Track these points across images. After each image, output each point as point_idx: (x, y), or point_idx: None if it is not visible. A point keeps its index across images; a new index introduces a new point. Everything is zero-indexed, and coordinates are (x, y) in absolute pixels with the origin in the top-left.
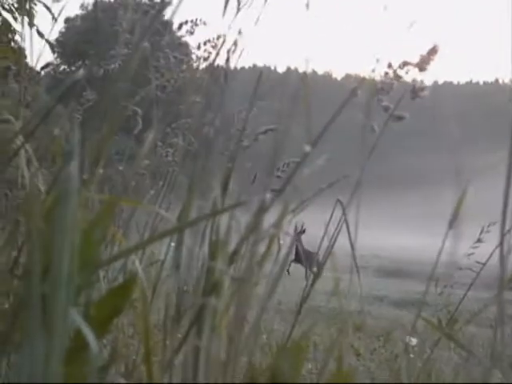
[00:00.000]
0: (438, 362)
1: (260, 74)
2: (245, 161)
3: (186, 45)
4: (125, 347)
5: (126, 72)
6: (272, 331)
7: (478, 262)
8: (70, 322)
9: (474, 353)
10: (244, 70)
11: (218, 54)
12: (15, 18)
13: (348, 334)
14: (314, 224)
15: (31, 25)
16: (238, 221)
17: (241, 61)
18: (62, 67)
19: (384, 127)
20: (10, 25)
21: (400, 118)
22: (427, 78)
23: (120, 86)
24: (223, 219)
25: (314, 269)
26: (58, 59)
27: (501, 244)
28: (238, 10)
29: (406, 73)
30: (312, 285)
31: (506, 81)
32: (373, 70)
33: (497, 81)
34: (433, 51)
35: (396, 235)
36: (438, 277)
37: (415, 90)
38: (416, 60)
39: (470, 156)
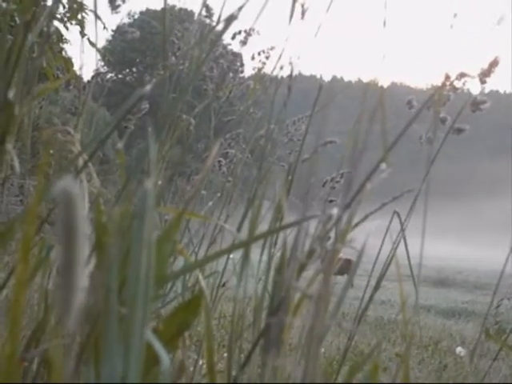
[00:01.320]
0: (488, 372)
1: (320, 86)
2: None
3: (240, 55)
4: (189, 363)
5: (182, 81)
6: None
7: None
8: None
9: None
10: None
11: (271, 64)
12: (66, 28)
13: (396, 343)
14: (361, 233)
15: (83, 34)
16: (307, 233)
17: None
18: (109, 75)
19: (444, 141)
20: (62, 34)
21: (460, 131)
22: (474, 88)
23: (179, 97)
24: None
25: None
26: (106, 67)
27: None
28: (291, 17)
29: (463, 84)
30: (371, 296)
31: None
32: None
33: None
34: (494, 63)
35: (440, 244)
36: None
37: (476, 102)
38: (476, 72)
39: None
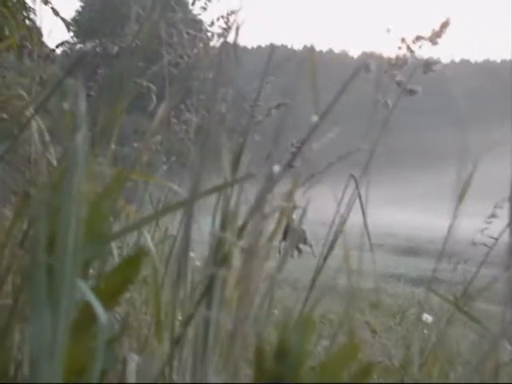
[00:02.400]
0: (453, 338)
1: (271, 50)
2: (258, 136)
3: (200, 21)
4: (137, 322)
5: (138, 47)
6: (287, 308)
7: (491, 238)
8: (79, 295)
9: (486, 326)
10: (261, 49)
11: (230, 30)
12: None
13: (364, 311)
14: (328, 202)
15: (46, 2)
16: (247, 194)
17: (257, 39)
18: (78, 46)
19: (397, 103)
20: (25, 2)
21: (413, 92)
22: (444, 56)
23: (131, 62)
24: (235, 194)
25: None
26: (75, 38)
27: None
28: None
29: (420, 47)
30: (324, 261)
31: None
32: (382, 43)
33: None
34: (444, 25)
35: (410, 213)
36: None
37: (428, 63)
38: (428, 34)
39: (483, 133)
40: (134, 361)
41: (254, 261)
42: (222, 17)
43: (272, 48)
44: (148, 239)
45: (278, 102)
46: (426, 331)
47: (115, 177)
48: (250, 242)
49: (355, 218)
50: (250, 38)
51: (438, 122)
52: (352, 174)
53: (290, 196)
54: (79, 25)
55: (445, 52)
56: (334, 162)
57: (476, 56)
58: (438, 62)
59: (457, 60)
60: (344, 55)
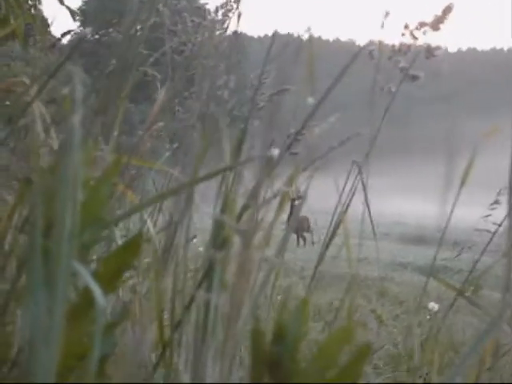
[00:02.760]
0: (459, 326)
1: (273, 38)
2: (258, 122)
3: (204, 9)
4: (140, 308)
5: (140, 35)
6: (294, 296)
7: (494, 224)
8: (78, 278)
9: (487, 310)
10: (267, 38)
11: (232, 17)
12: None
13: (371, 299)
14: (331, 191)
15: None
16: (248, 179)
17: (264, 28)
18: (88, 36)
19: (400, 88)
20: None
21: (415, 78)
22: (451, 44)
23: (133, 50)
24: (236, 179)
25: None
26: (81, 28)
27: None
28: None
29: (424, 34)
30: (326, 249)
31: None
32: (382, 27)
33: None
34: (447, 10)
35: (419, 202)
36: (456, 242)
37: (430, 49)
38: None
39: (488, 122)
40: (135, 346)
41: (250, 245)
42: (226, 4)
43: (274, 36)
44: (150, 225)
45: (279, 88)
46: (428, 317)
47: (114, 162)
48: (247, 226)
49: (361, 206)
50: (256, 26)
51: (445, 110)
52: (355, 160)
53: (290, 181)
54: (86, 14)
55: (451, 40)
56: (336, 147)
57: (483, 45)
58: (439, 47)
59: (464, 49)
60: (351, 44)
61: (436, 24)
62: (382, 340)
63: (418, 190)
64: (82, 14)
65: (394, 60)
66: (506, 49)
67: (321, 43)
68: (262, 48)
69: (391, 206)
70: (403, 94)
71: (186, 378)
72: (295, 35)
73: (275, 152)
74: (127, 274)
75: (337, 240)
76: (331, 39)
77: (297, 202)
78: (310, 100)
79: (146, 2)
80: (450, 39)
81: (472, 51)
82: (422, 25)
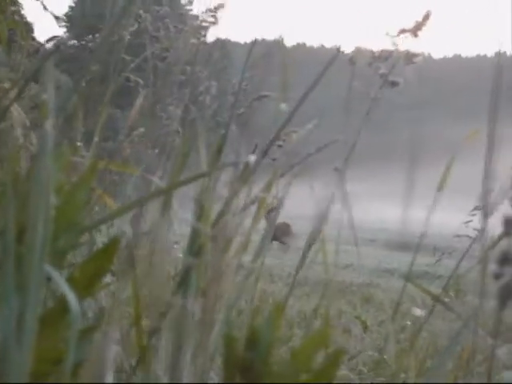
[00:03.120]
0: (444, 333)
1: (253, 44)
2: (238, 129)
3: (187, 15)
4: (119, 314)
5: (121, 41)
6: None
7: (475, 229)
8: (54, 284)
9: (460, 315)
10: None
11: (215, 23)
12: None
13: (356, 306)
14: (313, 197)
15: None
16: (224, 184)
17: (250, 34)
18: (72, 42)
19: (380, 94)
20: None
21: (394, 84)
22: (435, 51)
23: (116, 55)
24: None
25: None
26: (68, 34)
27: (484, 214)
28: None
29: (403, 40)
30: (304, 256)
31: None
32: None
33: (505, 53)
34: (426, 17)
35: (404, 208)
36: (436, 248)
37: (409, 55)
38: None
39: (472, 128)
40: (112, 351)
41: (222, 250)
42: (210, 10)
43: (254, 43)
44: (129, 230)
45: (259, 94)
46: (409, 323)
47: (90, 167)
48: (219, 232)
49: (345, 212)
50: (242, 32)
51: (430, 116)
52: (337, 167)
53: (268, 187)
54: (72, 20)
55: (436, 47)
56: (313, 153)
57: (468, 51)
58: (418, 54)
59: (449, 55)
60: (335, 50)
61: (415, 30)
62: (366, 346)
63: (401, 196)
64: (68, 20)
65: (374, 66)
66: (489, 55)
67: (305, 50)
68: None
69: (375, 212)
70: (385, 100)
71: (164, 379)
72: (280, 42)
73: (251, 158)
74: (108, 280)
75: (321, 246)
76: (316, 46)
77: (273, 210)
78: (283, 107)
79: (127, 8)
80: (435, 46)
81: (457, 58)
82: (402, 31)
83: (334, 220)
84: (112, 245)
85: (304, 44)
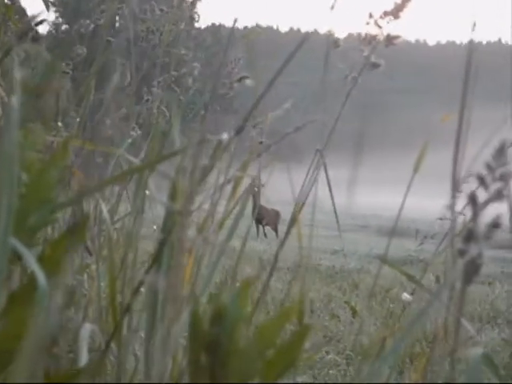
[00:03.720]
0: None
1: (231, 30)
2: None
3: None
4: (96, 293)
5: (106, 23)
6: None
7: (460, 213)
8: (28, 261)
9: (430, 292)
10: (247, 30)
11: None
12: None
13: (346, 291)
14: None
15: None
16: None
17: (245, 20)
18: (64, 26)
19: (376, 81)
20: None
21: (375, 66)
22: (430, 38)
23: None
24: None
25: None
26: (60, 19)
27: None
28: None
29: (388, 23)
30: (283, 243)
31: (509, 41)
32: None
33: (499, 40)
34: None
35: (397, 194)
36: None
37: (389, 38)
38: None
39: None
40: (86, 329)
41: (185, 228)
42: None
43: (233, 28)
44: (104, 209)
45: (239, 75)
46: (391, 305)
47: (62, 145)
48: (182, 207)
49: (343, 200)
50: (238, 18)
51: (423, 102)
52: (319, 149)
53: (244, 167)
54: (65, 5)
55: (430, 33)
56: (291, 132)
57: (462, 37)
58: (398, 36)
59: (443, 42)
60: (329, 36)
61: (396, 12)
62: (354, 330)
63: (397, 182)
64: (62, 5)
65: (358, 49)
66: (484, 42)
67: (299, 35)
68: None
69: (369, 198)
70: (379, 87)
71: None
72: (275, 28)
73: (224, 136)
74: (88, 261)
75: (309, 232)
76: (310, 31)
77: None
78: (249, 82)
79: None
80: (429, 32)
81: (451, 44)
82: (386, 14)
83: (324, 206)
84: (82, 223)
85: (299, 29)
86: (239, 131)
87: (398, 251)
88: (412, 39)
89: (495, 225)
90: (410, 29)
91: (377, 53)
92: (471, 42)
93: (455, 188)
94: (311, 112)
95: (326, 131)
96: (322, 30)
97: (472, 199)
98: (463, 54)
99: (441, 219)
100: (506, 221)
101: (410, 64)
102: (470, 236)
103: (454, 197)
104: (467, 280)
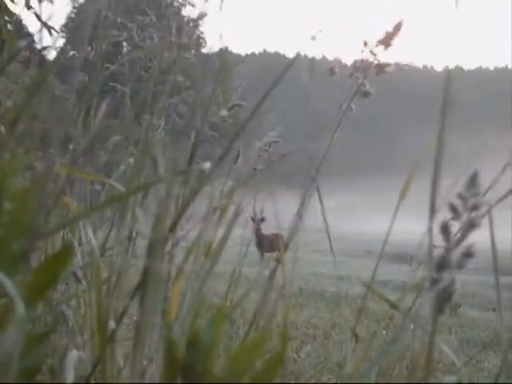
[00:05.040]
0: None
1: (221, 54)
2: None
3: (172, 26)
4: (81, 319)
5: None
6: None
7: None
8: (7, 288)
9: (424, 329)
10: (254, 56)
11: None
12: (12, 0)
13: (349, 317)
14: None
15: (28, 7)
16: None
17: (252, 46)
18: (72, 53)
19: (382, 109)
20: (6, 7)
21: (367, 94)
22: (437, 64)
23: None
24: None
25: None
26: (68, 45)
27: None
28: None
29: (382, 50)
30: (276, 268)
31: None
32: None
33: (506, 67)
34: (397, 28)
35: (401, 220)
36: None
37: (380, 65)
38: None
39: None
40: (73, 356)
41: (158, 254)
42: (193, 20)
43: (221, 52)
44: (90, 235)
45: (232, 103)
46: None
47: (44, 171)
48: (157, 234)
49: (351, 226)
50: (244, 44)
51: (431, 129)
52: (312, 176)
53: (230, 194)
54: (71, 31)
55: (438, 59)
56: (276, 160)
57: (470, 64)
58: (390, 64)
59: (450, 67)
60: (337, 62)
61: (386, 41)
62: (357, 357)
63: (404, 208)
64: (69, 31)
65: (354, 77)
66: (491, 68)
67: (306, 61)
68: (247, 66)
69: (376, 223)
70: (385, 114)
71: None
72: (281, 53)
73: (206, 165)
74: (81, 288)
75: (318, 257)
76: (318, 57)
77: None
78: (223, 112)
79: (112, 19)
80: (437, 58)
81: (459, 70)
82: (380, 42)
83: (334, 232)
84: (66, 251)
85: (305, 55)
86: (220, 160)
87: (402, 276)
88: (420, 65)
89: (468, 254)
90: (416, 55)
91: (381, 79)
92: (447, 69)
93: (432, 216)
94: (309, 139)
95: (320, 158)
96: (330, 57)
97: (444, 229)
98: (469, 80)
99: (435, 246)
100: (479, 249)
101: (416, 90)
102: (442, 264)
103: (430, 225)
104: (439, 308)
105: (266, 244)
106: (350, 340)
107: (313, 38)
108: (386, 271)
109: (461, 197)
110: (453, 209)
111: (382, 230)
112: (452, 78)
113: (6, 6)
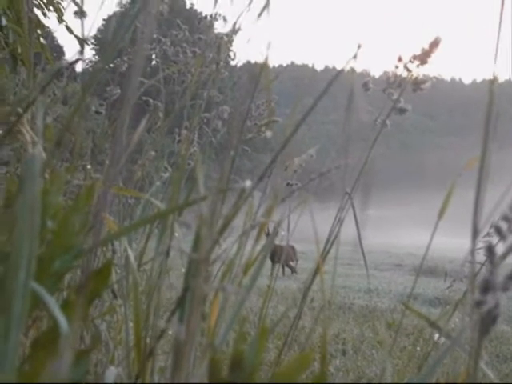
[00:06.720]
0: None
1: (252, 68)
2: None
3: (205, 40)
4: (119, 336)
5: (138, 66)
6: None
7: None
8: (50, 307)
9: (460, 345)
10: (281, 68)
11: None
12: (44, 14)
13: (379, 331)
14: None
15: (60, 20)
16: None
17: (280, 58)
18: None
19: (415, 121)
20: (39, 20)
21: (402, 111)
22: (465, 75)
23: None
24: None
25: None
26: (97, 56)
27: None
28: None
29: (417, 66)
30: (311, 282)
31: None
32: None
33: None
34: (434, 44)
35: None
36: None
37: (417, 82)
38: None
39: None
40: (111, 373)
41: (201, 274)
42: (226, 35)
43: (252, 65)
44: (129, 252)
45: (267, 119)
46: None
47: (86, 190)
48: (199, 254)
49: (380, 239)
50: (273, 56)
51: (462, 142)
52: (347, 192)
53: (269, 212)
54: (101, 43)
55: (465, 71)
56: (315, 178)
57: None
58: (426, 80)
59: (478, 80)
60: (366, 75)
61: (424, 57)
62: (386, 371)
63: (429, 222)
64: (98, 43)
65: (387, 92)
66: None
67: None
68: (279, 79)
69: (409, 237)
70: (417, 126)
71: None
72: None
73: (247, 184)
74: (117, 303)
75: (346, 270)
76: (346, 70)
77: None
78: (269, 134)
79: (147, 33)
80: (464, 70)
81: (487, 82)
82: (415, 58)
83: (364, 245)
84: (106, 268)
85: (334, 67)
86: (261, 179)
87: (432, 290)
88: (448, 78)
89: None
90: (444, 67)
91: (412, 93)
92: (491, 81)
93: (475, 236)
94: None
95: (355, 173)
96: (359, 69)
97: (489, 250)
98: (499, 92)
99: (467, 263)
100: None
101: (447, 103)
102: (487, 287)
103: (473, 245)
104: (484, 331)
105: (282, 255)
106: (380, 354)
107: (355, 57)
108: (416, 284)
109: (505, 219)
110: (498, 231)
111: (411, 243)
112: (494, 90)
113: (38, 19)
